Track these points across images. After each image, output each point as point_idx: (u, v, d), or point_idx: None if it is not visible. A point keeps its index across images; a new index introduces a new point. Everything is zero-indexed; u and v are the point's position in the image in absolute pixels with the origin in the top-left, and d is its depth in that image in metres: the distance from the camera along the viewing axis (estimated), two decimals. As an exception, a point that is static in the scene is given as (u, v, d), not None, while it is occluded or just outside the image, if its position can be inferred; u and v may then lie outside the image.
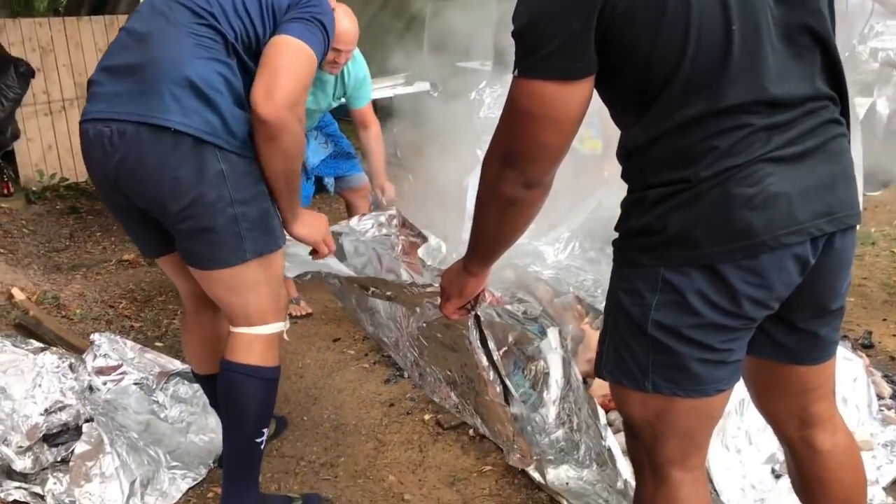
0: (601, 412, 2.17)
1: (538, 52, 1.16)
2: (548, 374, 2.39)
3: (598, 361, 1.38)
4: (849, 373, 2.36)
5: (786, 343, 1.38)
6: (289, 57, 1.77)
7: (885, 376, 2.67)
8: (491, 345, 2.31)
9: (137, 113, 1.74)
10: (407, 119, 7.48)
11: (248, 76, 1.79)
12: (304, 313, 3.58)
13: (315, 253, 2.11)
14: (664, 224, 1.21)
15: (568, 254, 3.35)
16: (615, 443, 2.10)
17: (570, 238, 3.42)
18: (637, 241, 1.26)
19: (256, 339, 1.93)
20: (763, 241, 1.18)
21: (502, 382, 2.33)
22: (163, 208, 1.80)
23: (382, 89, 5.17)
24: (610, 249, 3.37)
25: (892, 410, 2.47)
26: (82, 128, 1.82)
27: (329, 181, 3.71)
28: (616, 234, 1.34)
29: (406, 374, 2.90)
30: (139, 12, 1.91)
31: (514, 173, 1.26)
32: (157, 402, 2.60)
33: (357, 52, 3.31)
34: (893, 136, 4.87)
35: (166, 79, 1.74)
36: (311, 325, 3.49)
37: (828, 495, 1.49)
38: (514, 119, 1.22)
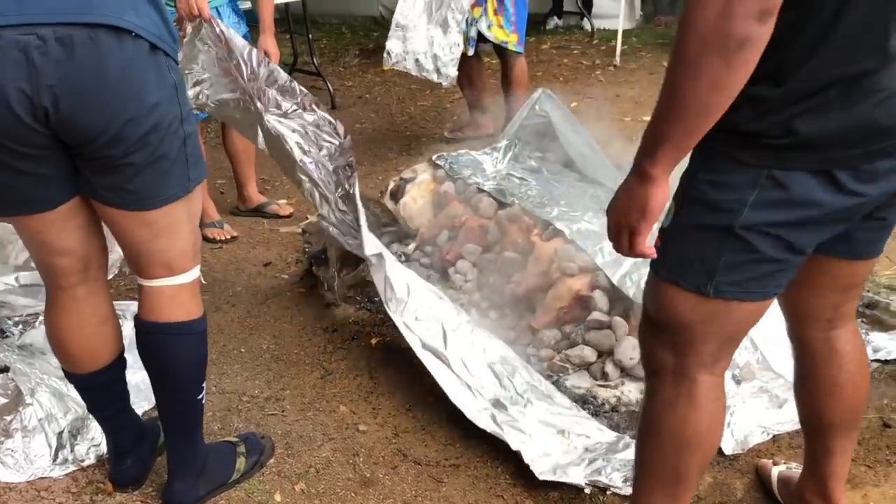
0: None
1: None
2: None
3: (657, 258, 1.27)
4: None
5: (858, 237, 1.34)
6: None
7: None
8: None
9: (86, 12, 1.35)
10: (325, 28, 7.12)
11: None
12: (228, 237, 3.37)
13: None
14: (790, 128, 1.12)
15: (507, 163, 3.21)
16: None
17: (508, 146, 3.27)
18: (745, 141, 1.16)
19: (179, 290, 1.68)
20: (885, 147, 1.14)
21: None
22: (115, 137, 1.44)
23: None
24: (550, 155, 3.24)
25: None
26: None
27: None
28: None
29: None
30: None
31: (751, 2, 0.98)
32: (79, 342, 2.38)
33: None
34: None
35: None
36: (239, 250, 3.29)
37: (842, 397, 1.51)
38: None
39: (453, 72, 3.79)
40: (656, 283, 1.34)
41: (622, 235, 1.24)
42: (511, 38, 3.83)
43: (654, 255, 1.26)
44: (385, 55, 3.78)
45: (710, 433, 1.39)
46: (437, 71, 3.77)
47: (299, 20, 5.52)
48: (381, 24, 7.39)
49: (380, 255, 2.27)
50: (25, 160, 1.45)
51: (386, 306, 2.24)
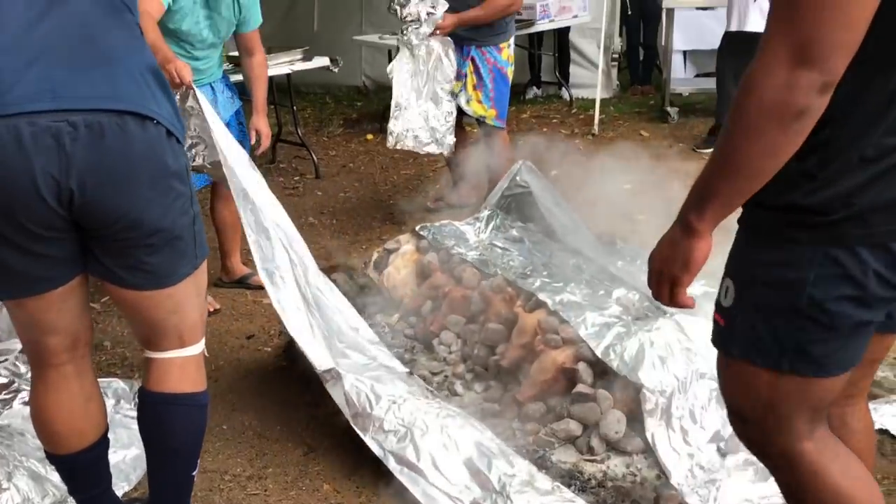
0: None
1: None
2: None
3: (721, 337, 1.30)
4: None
5: None
6: None
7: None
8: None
9: (114, 98, 1.42)
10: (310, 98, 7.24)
11: None
12: (212, 309, 3.35)
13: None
14: (845, 203, 1.13)
15: (490, 232, 3.25)
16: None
17: (491, 216, 3.32)
18: (800, 218, 1.17)
19: (188, 361, 1.72)
20: None
21: None
22: (136, 220, 1.49)
23: (280, 66, 4.90)
24: (532, 225, 3.28)
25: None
26: None
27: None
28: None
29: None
30: None
31: (813, 73, 1.03)
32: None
33: None
34: None
35: (130, 59, 1.47)
36: (221, 323, 3.27)
37: None
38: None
39: (451, 139, 3.91)
40: (730, 364, 1.33)
41: (663, 285, 1.28)
42: (489, 113, 3.91)
43: (693, 306, 1.30)
44: (388, 136, 3.89)
45: (856, 480, 1.32)
46: (436, 141, 3.89)
47: (283, 90, 5.60)
48: (365, 94, 7.53)
49: (334, 372, 2.20)
50: (38, 241, 1.49)
51: (352, 423, 2.18)
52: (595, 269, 2.73)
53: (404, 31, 3.72)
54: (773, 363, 1.25)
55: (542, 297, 2.49)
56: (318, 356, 2.24)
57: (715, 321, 1.32)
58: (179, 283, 1.62)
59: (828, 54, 1.02)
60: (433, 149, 3.92)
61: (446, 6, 3.66)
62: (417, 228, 3.21)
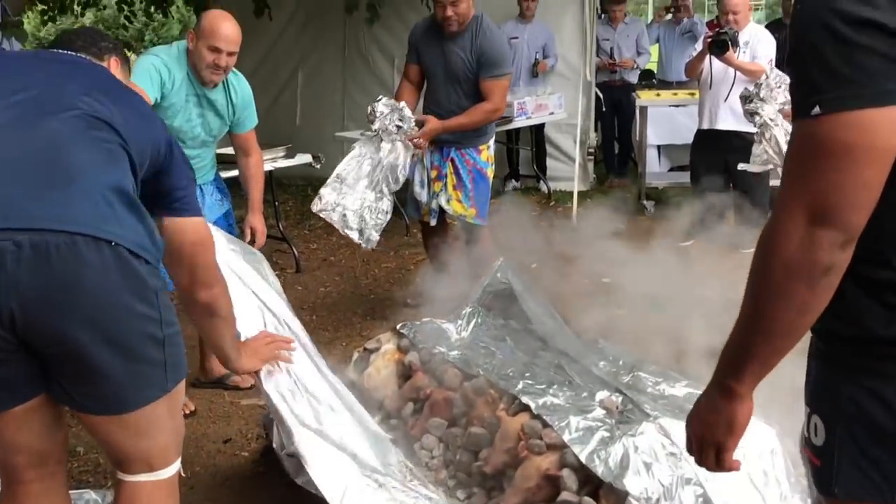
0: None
1: (854, 80, 1.01)
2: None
3: (820, 478, 1.22)
4: (766, 444, 2.34)
5: None
6: (201, 244, 1.73)
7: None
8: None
9: (65, 220, 1.40)
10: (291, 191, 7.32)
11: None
12: (187, 411, 3.28)
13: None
14: None
15: (471, 330, 3.24)
16: None
17: (472, 313, 3.32)
18: (884, 350, 1.12)
19: (158, 485, 1.65)
20: None
21: None
22: (85, 344, 1.45)
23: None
24: (513, 323, 3.28)
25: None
26: None
27: None
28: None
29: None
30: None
31: (833, 232, 1.04)
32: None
33: (237, 72, 3.18)
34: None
35: (94, 180, 1.46)
36: (198, 425, 3.20)
37: None
38: (827, 161, 1.03)
39: (375, 237, 3.86)
40: None
41: (708, 451, 1.24)
42: (469, 212, 3.97)
43: (739, 469, 1.26)
44: (316, 199, 3.83)
45: None
46: (360, 232, 3.83)
47: (266, 184, 5.65)
48: (346, 187, 7.62)
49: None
50: None
51: None
52: (578, 370, 2.72)
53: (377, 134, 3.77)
54: (885, 497, 1.19)
55: (525, 399, 2.47)
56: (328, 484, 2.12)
57: (809, 461, 1.26)
58: (144, 407, 1.56)
59: (847, 214, 1.04)
60: (355, 236, 3.84)
61: (412, 120, 3.72)
62: (398, 327, 3.20)
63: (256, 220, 3.22)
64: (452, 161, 3.92)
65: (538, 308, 3.11)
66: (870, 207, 1.05)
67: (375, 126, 3.69)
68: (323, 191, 3.81)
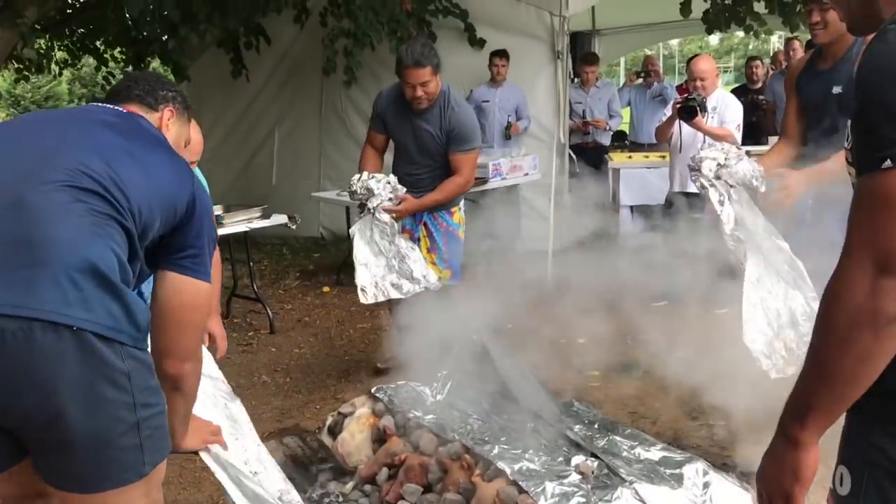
0: None
1: None
2: None
3: None
4: (745, 511, 2.34)
5: None
6: (194, 310, 1.67)
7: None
8: None
9: (23, 305, 1.40)
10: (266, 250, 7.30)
11: (135, 261, 1.61)
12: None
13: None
14: None
15: (447, 393, 3.22)
16: None
17: (448, 376, 3.31)
18: None
19: None
20: None
21: None
22: (45, 425, 1.44)
23: (238, 223, 4.97)
24: (489, 386, 3.27)
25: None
26: None
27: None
28: None
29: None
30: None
31: None
32: None
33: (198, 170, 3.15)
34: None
35: (63, 261, 1.43)
36: (168, 492, 3.11)
37: None
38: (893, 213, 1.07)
39: (433, 276, 3.70)
40: None
41: (777, 502, 1.25)
42: (444, 274, 3.99)
43: None
44: (361, 294, 3.65)
45: None
46: (419, 281, 3.66)
47: (241, 242, 5.64)
48: (322, 245, 7.63)
49: None
50: None
51: None
52: (553, 434, 2.71)
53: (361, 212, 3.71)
54: None
55: (500, 465, 2.45)
56: None
57: None
58: (117, 488, 1.53)
59: None
60: (417, 288, 3.67)
61: (399, 191, 3.68)
62: (373, 390, 3.17)
63: (215, 324, 2.93)
64: (426, 224, 3.95)
65: (513, 370, 3.11)
66: None
67: (374, 204, 3.60)
68: (359, 280, 3.63)
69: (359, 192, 3.64)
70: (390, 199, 3.64)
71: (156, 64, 9.14)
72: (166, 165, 1.73)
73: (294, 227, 5.30)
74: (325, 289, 6.21)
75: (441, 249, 3.96)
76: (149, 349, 1.64)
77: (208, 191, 3.21)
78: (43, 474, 1.54)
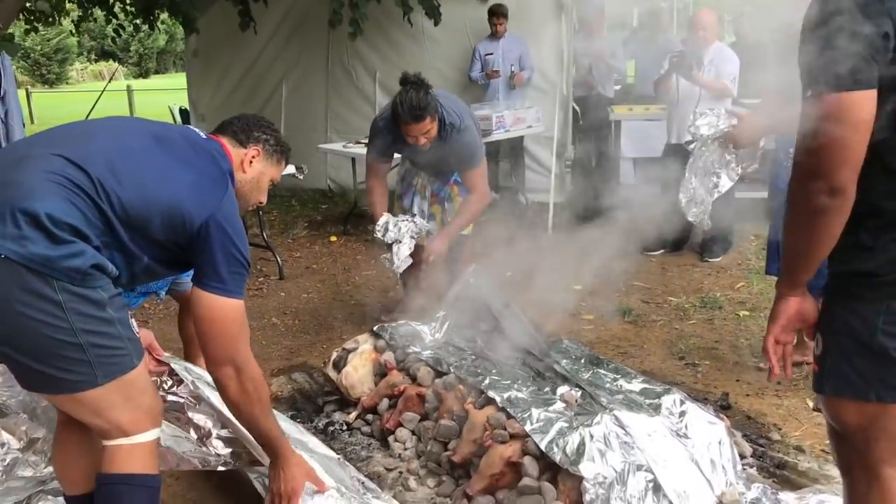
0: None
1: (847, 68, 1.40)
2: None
3: (818, 380, 1.66)
4: (714, 436, 2.52)
5: None
6: (212, 322, 1.90)
7: (745, 436, 2.87)
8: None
9: None
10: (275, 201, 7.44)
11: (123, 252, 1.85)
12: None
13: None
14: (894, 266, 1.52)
15: (445, 332, 3.40)
16: None
17: (445, 317, 3.49)
18: (864, 281, 1.55)
19: (135, 448, 1.87)
20: None
21: None
22: None
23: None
24: (483, 325, 3.43)
25: (755, 469, 2.65)
26: None
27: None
28: None
29: None
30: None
31: (820, 182, 1.47)
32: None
33: None
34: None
35: (15, 203, 1.69)
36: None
37: None
38: (823, 132, 1.43)
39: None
40: (825, 400, 1.69)
41: (765, 339, 1.72)
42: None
43: (772, 357, 1.71)
44: (387, 260, 3.88)
45: None
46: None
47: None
48: (330, 198, 7.77)
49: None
50: None
51: None
52: (541, 367, 2.89)
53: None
54: (861, 395, 1.58)
55: (491, 394, 2.64)
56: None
57: (813, 370, 1.68)
58: (83, 392, 1.77)
59: (831, 169, 1.45)
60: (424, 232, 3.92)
61: (408, 240, 3.82)
62: (375, 328, 3.36)
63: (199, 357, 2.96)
64: (456, 183, 4.09)
65: (507, 310, 3.28)
66: (856, 166, 1.45)
67: (402, 255, 3.81)
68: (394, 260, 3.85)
69: (386, 241, 3.83)
70: (413, 237, 3.82)
71: (165, 16, 9.20)
72: (187, 181, 1.91)
73: (301, 177, 5.45)
74: (333, 238, 6.38)
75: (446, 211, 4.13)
76: (109, 295, 1.80)
77: None
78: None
